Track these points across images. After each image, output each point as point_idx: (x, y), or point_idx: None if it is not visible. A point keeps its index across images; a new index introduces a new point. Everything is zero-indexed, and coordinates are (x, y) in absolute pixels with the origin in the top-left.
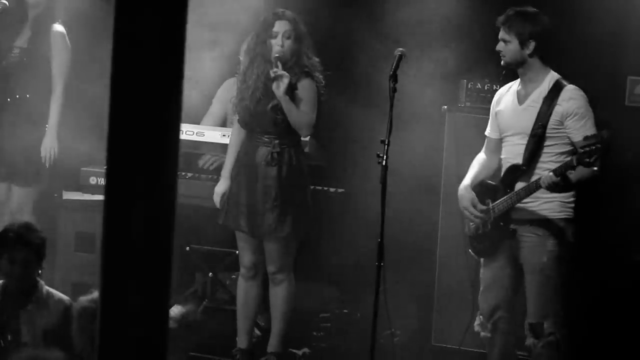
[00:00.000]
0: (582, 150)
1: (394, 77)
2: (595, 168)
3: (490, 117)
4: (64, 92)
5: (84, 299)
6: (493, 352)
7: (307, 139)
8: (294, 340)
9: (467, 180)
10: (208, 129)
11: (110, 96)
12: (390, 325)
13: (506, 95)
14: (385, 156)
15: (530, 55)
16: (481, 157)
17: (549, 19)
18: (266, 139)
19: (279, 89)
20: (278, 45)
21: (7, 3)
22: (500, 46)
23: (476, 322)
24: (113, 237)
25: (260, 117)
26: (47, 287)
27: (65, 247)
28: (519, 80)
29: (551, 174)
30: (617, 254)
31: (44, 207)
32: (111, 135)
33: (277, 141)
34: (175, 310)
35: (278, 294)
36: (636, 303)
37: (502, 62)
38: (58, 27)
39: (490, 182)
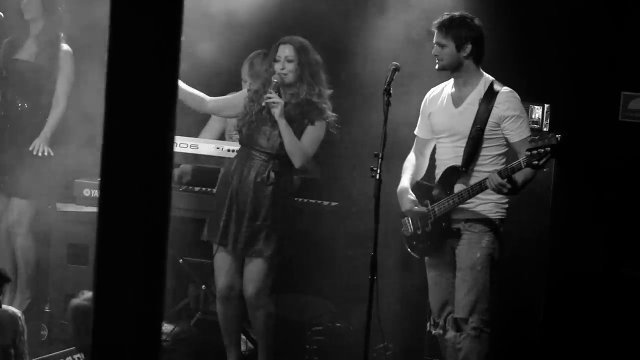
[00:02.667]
0: (530, 153)
1: (388, 91)
2: (545, 169)
3: (421, 117)
4: (64, 109)
5: (75, 300)
6: (447, 349)
7: None
8: (287, 354)
9: (405, 182)
10: (202, 142)
11: (105, 109)
12: (383, 339)
13: (439, 97)
14: (379, 170)
15: (466, 58)
16: (412, 157)
17: (481, 23)
18: (264, 157)
19: (275, 113)
20: (279, 69)
21: (2, 14)
22: (436, 50)
23: (428, 323)
24: (107, 249)
25: (262, 135)
26: (4, 305)
27: (58, 258)
28: (451, 82)
29: (496, 175)
30: (601, 265)
31: (43, 218)
32: (105, 147)
33: (276, 161)
34: (169, 327)
35: (258, 318)
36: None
37: (436, 67)
38: (66, 47)
39: (426, 183)
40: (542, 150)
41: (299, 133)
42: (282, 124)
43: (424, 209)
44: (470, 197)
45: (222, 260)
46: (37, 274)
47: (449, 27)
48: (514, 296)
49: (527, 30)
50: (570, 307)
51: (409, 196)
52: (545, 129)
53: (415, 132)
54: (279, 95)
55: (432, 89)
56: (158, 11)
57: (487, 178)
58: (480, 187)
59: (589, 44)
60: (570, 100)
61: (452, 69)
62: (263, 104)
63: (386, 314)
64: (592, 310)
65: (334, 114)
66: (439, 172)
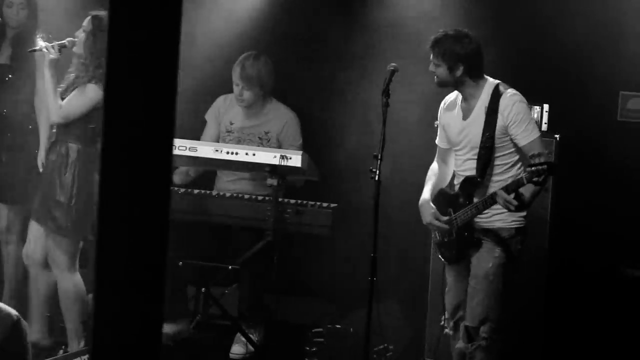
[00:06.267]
0: (530, 169)
1: (386, 93)
2: (546, 186)
3: (439, 127)
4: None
5: None
6: (455, 348)
7: (300, 154)
8: (287, 355)
9: (426, 194)
10: (201, 144)
11: (104, 111)
12: (384, 340)
13: (452, 108)
14: (378, 171)
15: (461, 76)
16: (435, 167)
17: (477, 39)
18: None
19: (44, 63)
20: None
21: None
22: (432, 67)
23: (442, 318)
24: (106, 251)
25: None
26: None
27: None
28: None
29: (502, 192)
30: (606, 266)
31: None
32: (104, 150)
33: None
34: (168, 328)
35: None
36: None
37: (435, 81)
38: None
39: (449, 191)
40: (540, 167)
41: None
42: (47, 74)
43: (445, 219)
44: (485, 209)
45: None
46: (24, 287)
47: (440, 47)
48: (514, 297)
49: (526, 30)
50: (570, 307)
51: (430, 209)
52: (544, 129)
53: (436, 142)
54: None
55: (447, 97)
56: (157, 12)
57: (496, 193)
58: (493, 199)
59: (588, 43)
60: (569, 100)
61: (451, 86)
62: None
63: (386, 315)
64: (593, 311)
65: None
66: (457, 183)
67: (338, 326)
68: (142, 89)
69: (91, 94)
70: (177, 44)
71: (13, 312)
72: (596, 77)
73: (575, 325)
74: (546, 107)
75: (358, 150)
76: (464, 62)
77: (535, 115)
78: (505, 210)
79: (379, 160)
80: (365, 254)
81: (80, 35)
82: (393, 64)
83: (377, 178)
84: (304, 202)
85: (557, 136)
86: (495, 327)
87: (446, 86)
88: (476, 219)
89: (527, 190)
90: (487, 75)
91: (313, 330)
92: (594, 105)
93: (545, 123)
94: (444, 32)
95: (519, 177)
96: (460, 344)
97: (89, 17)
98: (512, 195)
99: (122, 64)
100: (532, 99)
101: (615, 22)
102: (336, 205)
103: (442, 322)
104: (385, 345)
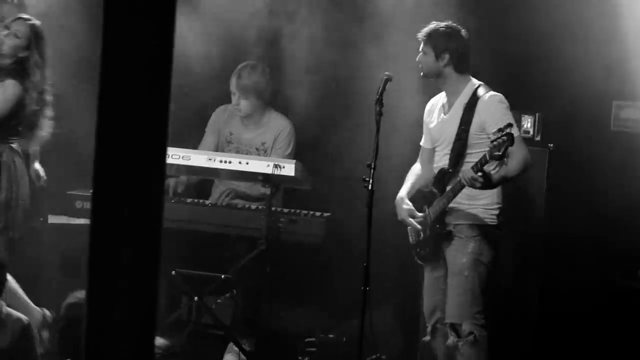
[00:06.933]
0: (492, 145)
1: (380, 101)
2: (506, 159)
3: (424, 128)
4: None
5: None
6: (432, 355)
7: (293, 163)
8: None
9: (402, 191)
10: (194, 153)
11: (97, 120)
12: (376, 350)
13: (435, 107)
14: (371, 180)
15: (445, 66)
16: (416, 167)
17: (468, 35)
18: None
19: None
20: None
21: None
22: (419, 57)
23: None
24: (99, 261)
25: None
26: (6, 308)
27: (50, 271)
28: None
29: (469, 169)
30: (596, 275)
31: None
32: (97, 159)
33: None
34: (161, 341)
35: None
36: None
37: (420, 73)
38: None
39: (426, 190)
40: (500, 140)
41: None
42: None
43: (420, 215)
44: (455, 195)
45: None
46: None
47: (430, 36)
48: (508, 305)
49: (518, 39)
50: (563, 318)
51: (405, 205)
52: (537, 139)
53: (421, 143)
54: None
55: (431, 100)
56: (151, 21)
57: (462, 171)
58: (460, 184)
59: (581, 52)
60: (562, 110)
61: (433, 77)
62: None
63: (379, 325)
64: (585, 321)
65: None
66: (433, 177)
67: (331, 336)
68: (135, 98)
69: (10, 89)
70: (170, 52)
71: (23, 317)
72: (590, 87)
73: (568, 335)
74: (538, 115)
75: (352, 159)
76: (450, 52)
77: (528, 125)
78: (478, 206)
79: (372, 169)
80: (358, 263)
81: (1, 33)
82: (387, 72)
83: (370, 187)
84: (297, 211)
85: (550, 145)
86: (478, 322)
87: (430, 77)
88: (450, 212)
89: (498, 173)
90: (478, 80)
91: (306, 340)
92: (587, 115)
93: (538, 132)
94: (436, 24)
95: (481, 156)
96: (449, 341)
97: (15, 18)
98: (479, 174)
99: (116, 75)
100: (525, 109)
101: (609, 31)
102: (329, 214)
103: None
104: (378, 354)
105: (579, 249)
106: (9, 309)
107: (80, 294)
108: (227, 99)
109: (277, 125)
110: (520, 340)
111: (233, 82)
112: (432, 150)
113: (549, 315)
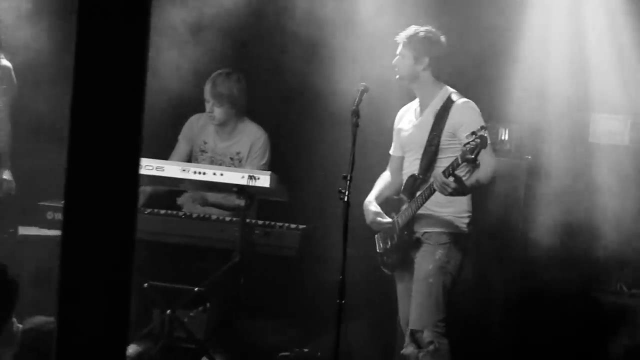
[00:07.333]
0: (465, 148)
1: (356, 112)
2: (478, 162)
3: (394, 135)
4: (12, 129)
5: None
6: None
7: (268, 174)
8: None
9: (371, 195)
10: (168, 164)
11: (70, 129)
12: None
13: (407, 114)
14: (347, 192)
15: (423, 70)
16: (386, 174)
17: (445, 40)
18: None
19: None
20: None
21: None
22: (396, 61)
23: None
24: (70, 273)
25: None
26: (17, 325)
27: (20, 282)
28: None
29: (441, 174)
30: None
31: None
32: (70, 170)
33: None
34: (132, 350)
35: None
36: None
37: (396, 77)
38: (5, 62)
39: (395, 197)
40: (474, 142)
41: None
42: None
43: (388, 219)
44: (424, 202)
45: None
46: None
47: (410, 40)
48: (482, 318)
49: (492, 49)
50: (542, 331)
51: (372, 208)
52: (514, 151)
53: (390, 152)
54: None
55: (402, 108)
56: (125, 25)
57: (433, 177)
58: (430, 189)
59: (558, 62)
60: (538, 121)
61: (409, 81)
62: None
63: (355, 339)
64: (564, 335)
65: None
66: (403, 183)
67: (306, 350)
68: (109, 107)
69: None
70: (145, 56)
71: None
72: (567, 97)
73: (544, 349)
74: (514, 127)
75: (328, 170)
76: (430, 57)
77: (505, 137)
78: (448, 214)
79: (348, 181)
80: (334, 276)
81: None
82: (363, 83)
83: (346, 199)
84: (272, 223)
85: (528, 157)
86: (440, 330)
87: (406, 80)
88: (419, 219)
89: (471, 178)
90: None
91: (280, 355)
92: (564, 126)
93: (513, 144)
94: (416, 28)
95: (453, 160)
96: (407, 350)
97: None
98: (451, 179)
99: (88, 83)
100: (501, 120)
101: (586, 41)
102: (304, 226)
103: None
104: None
105: (556, 262)
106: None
107: (37, 320)
108: (201, 108)
109: (252, 135)
110: (495, 354)
111: (207, 89)
112: (402, 159)
113: (527, 328)
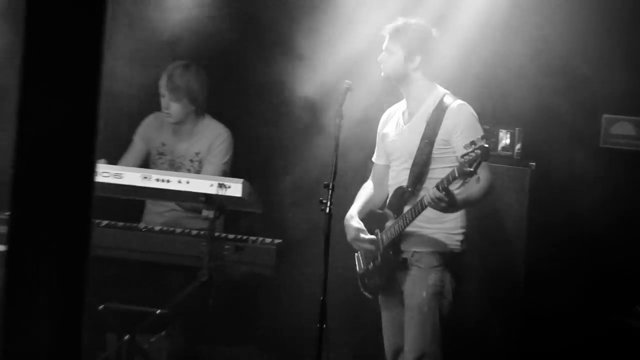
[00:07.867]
0: (463, 160)
1: (339, 112)
2: (478, 176)
3: (377, 142)
4: None
5: None
6: None
7: (240, 182)
8: None
9: (353, 209)
10: (127, 170)
11: (16, 132)
12: None
13: (393, 117)
14: (329, 202)
15: (414, 70)
16: (368, 185)
17: (436, 33)
18: None
19: None
20: None
21: None
22: (382, 57)
23: None
24: (16, 293)
25: None
26: None
27: None
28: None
29: (434, 188)
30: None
31: None
32: (16, 177)
33: None
34: None
35: None
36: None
37: (382, 74)
38: None
39: (379, 211)
40: (473, 154)
41: None
42: None
43: (372, 237)
44: (414, 218)
45: None
46: None
47: (399, 33)
48: (488, 337)
49: (499, 49)
50: (545, 347)
51: (354, 224)
52: (517, 157)
53: (373, 159)
54: None
55: (388, 110)
56: (78, 18)
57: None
58: (422, 205)
59: (567, 61)
60: (545, 124)
61: (396, 80)
62: None
63: None
64: (568, 353)
65: None
66: (389, 196)
67: None
68: (60, 106)
69: None
70: (100, 51)
71: None
72: (576, 98)
73: None
74: (518, 130)
75: (306, 179)
76: (423, 54)
77: (507, 141)
78: (441, 231)
79: (330, 190)
80: (314, 297)
81: None
82: (348, 81)
83: (328, 210)
84: (245, 237)
85: (532, 164)
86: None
87: (393, 80)
88: (407, 238)
89: (462, 193)
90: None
91: None
92: (573, 130)
93: (519, 150)
94: (405, 20)
95: (448, 173)
96: None
97: None
98: (443, 193)
99: (37, 77)
100: (505, 123)
101: (597, 39)
102: (281, 241)
103: None
104: None
105: (562, 277)
106: None
107: None
108: (157, 107)
109: (212, 133)
110: None
111: (163, 82)
112: (386, 167)
113: (531, 346)
